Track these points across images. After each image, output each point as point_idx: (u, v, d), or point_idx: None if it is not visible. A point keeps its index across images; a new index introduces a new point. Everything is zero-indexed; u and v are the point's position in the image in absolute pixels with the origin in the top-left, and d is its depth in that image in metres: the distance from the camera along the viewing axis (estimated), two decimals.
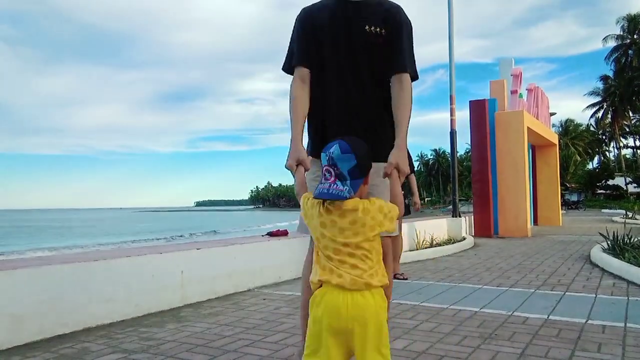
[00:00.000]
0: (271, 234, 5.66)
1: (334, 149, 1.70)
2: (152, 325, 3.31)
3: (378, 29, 2.13)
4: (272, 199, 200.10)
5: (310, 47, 2.18)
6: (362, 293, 1.62)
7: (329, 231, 1.68)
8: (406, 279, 4.97)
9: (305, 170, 2.01)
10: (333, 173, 1.68)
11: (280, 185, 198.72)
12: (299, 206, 1.84)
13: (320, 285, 1.69)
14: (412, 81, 2.18)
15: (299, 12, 2.26)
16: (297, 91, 2.17)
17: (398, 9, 2.19)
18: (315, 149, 2.14)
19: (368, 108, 2.17)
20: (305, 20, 2.22)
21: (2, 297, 2.86)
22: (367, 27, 2.12)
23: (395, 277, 4.87)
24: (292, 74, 2.23)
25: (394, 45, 2.14)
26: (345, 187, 1.65)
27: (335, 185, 1.66)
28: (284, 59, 2.27)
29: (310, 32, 2.18)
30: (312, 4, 2.26)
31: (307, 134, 2.26)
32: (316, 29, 2.17)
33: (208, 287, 4.19)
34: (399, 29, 2.15)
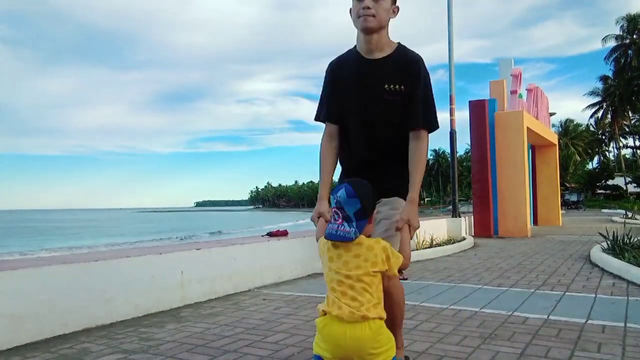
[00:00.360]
0: (271, 234, 5.67)
1: (341, 193, 1.83)
2: (152, 326, 3.31)
3: (397, 86, 2.22)
4: (271, 199, 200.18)
5: (337, 104, 2.31)
6: (360, 325, 1.71)
7: (335, 264, 1.81)
8: (406, 279, 4.97)
9: (325, 221, 2.10)
10: (340, 215, 1.82)
11: (280, 185, 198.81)
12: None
13: (325, 314, 1.80)
14: (433, 130, 2.29)
15: (329, 64, 2.38)
16: (324, 149, 2.34)
17: (417, 63, 2.26)
18: None
19: (378, 161, 2.27)
20: (332, 76, 2.35)
21: (2, 297, 2.86)
22: (386, 86, 2.22)
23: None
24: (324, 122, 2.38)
25: (412, 100, 2.22)
26: (351, 229, 1.79)
27: (343, 227, 1.80)
28: (317, 108, 2.41)
29: (335, 89, 2.33)
30: (339, 58, 2.37)
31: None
32: (339, 85, 2.31)
33: (208, 288, 4.20)
34: (417, 84, 2.23)
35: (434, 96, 2.31)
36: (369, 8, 2.14)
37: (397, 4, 2.25)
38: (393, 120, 2.24)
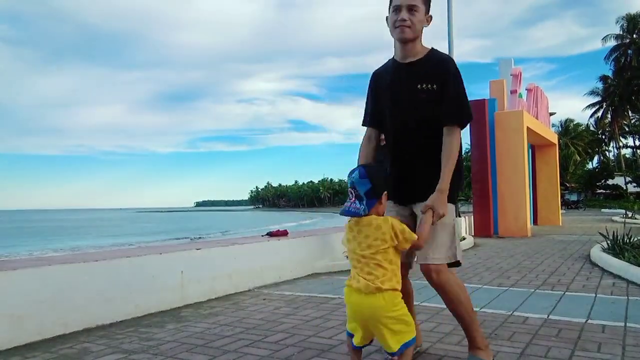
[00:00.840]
0: (271, 234, 5.67)
1: (355, 174, 2.08)
2: (152, 326, 3.31)
3: (430, 85, 2.41)
4: (271, 199, 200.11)
5: (376, 110, 2.58)
6: (375, 295, 1.98)
7: (351, 244, 2.09)
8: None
9: None
10: (353, 194, 2.07)
11: (280, 185, 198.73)
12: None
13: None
14: (467, 124, 2.53)
15: (372, 73, 2.64)
16: (363, 148, 2.62)
17: (447, 62, 2.45)
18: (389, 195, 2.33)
19: (424, 156, 2.43)
20: (374, 84, 2.61)
21: (2, 297, 2.86)
22: (419, 86, 2.41)
23: None
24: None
25: (444, 98, 2.41)
26: (361, 206, 2.03)
27: (354, 205, 2.05)
28: (364, 114, 2.67)
29: (376, 96, 2.59)
30: (380, 67, 2.62)
31: None
32: (379, 92, 2.56)
33: (208, 287, 4.20)
34: (447, 82, 2.41)
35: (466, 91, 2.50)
36: (405, 20, 2.34)
37: (430, 13, 2.44)
38: (427, 118, 2.41)
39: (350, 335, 2.15)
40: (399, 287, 2.05)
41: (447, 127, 2.40)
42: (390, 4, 2.43)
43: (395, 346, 2.05)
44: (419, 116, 2.42)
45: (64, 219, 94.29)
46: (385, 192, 2.11)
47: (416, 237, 2.08)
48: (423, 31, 2.42)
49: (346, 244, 2.13)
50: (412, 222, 2.40)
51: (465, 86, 2.51)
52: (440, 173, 2.30)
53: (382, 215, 2.10)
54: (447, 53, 11.09)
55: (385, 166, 2.52)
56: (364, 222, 2.05)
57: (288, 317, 3.47)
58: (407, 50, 2.42)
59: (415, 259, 2.41)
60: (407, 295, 2.42)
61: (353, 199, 2.06)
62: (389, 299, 2.00)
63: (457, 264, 2.38)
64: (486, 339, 2.48)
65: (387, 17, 2.46)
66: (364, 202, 2.03)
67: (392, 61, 2.54)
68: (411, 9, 2.34)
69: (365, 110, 2.66)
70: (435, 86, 2.40)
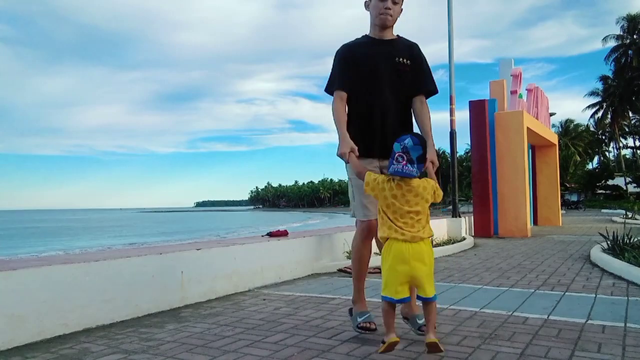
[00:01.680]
0: (271, 234, 5.66)
1: (408, 140, 2.40)
2: (152, 326, 3.31)
3: (405, 60, 2.87)
4: (271, 199, 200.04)
5: (349, 76, 2.87)
6: (418, 243, 2.42)
7: (399, 201, 2.42)
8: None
9: (355, 156, 2.67)
10: (405, 158, 2.38)
11: (280, 185, 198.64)
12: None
13: (386, 240, 2.45)
14: (433, 94, 2.98)
15: (339, 48, 2.93)
16: (338, 105, 2.86)
17: (417, 46, 2.99)
18: (363, 151, 2.77)
19: (399, 118, 2.89)
20: (346, 54, 2.91)
21: (2, 297, 2.86)
22: (396, 59, 2.86)
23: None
24: (331, 94, 2.91)
25: (417, 72, 2.91)
26: (414, 169, 2.39)
27: (407, 167, 2.38)
28: (326, 82, 2.95)
29: (350, 64, 2.87)
30: (348, 43, 2.95)
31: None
32: (356, 61, 2.86)
33: (208, 288, 4.20)
34: (419, 60, 2.93)
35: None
36: (389, 9, 2.78)
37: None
38: (400, 88, 2.86)
39: (388, 300, 2.44)
40: (433, 233, 2.53)
41: (422, 96, 2.93)
42: None
43: (431, 292, 2.42)
44: (394, 84, 2.84)
45: (67, 219, 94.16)
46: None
47: (441, 192, 2.55)
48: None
49: (388, 199, 2.43)
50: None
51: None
52: (407, 130, 2.82)
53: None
54: (448, 53, 11.08)
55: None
56: (414, 183, 2.44)
57: (288, 317, 3.47)
58: (383, 34, 2.88)
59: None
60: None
61: (404, 162, 2.38)
62: (428, 244, 2.46)
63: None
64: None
65: (366, 1, 2.88)
66: (416, 166, 2.39)
67: (367, 37, 2.93)
68: (395, 1, 2.81)
69: (332, 77, 2.92)
70: (409, 62, 2.87)
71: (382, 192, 2.45)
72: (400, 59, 2.85)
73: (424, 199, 2.46)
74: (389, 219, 2.43)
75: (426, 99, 2.95)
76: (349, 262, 5.53)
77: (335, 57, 2.94)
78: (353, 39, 2.99)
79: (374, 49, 2.85)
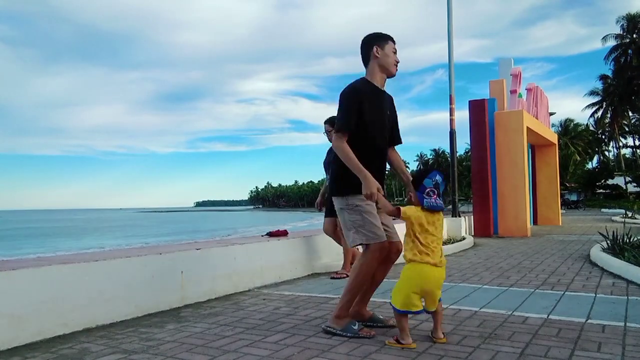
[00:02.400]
0: (271, 234, 5.66)
1: (438, 177, 2.79)
2: (152, 326, 3.31)
3: (389, 112, 3.19)
4: (271, 199, 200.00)
5: (358, 121, 3.01)
6: (443, 267, 2.79)
7: (431, 228, 2.77)
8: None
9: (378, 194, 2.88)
10: (436, 193, 2.77)
11: (280, 185, 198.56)
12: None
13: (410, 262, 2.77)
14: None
15: (351, 90, 3.07)
16: (350, 150, 2.96)
17: (392, 99, 3.30)
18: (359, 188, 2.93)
19: (385, 163, 3.26)
20: (362, 98, 3.04)
21: (2, 297, 2.86)
22: (388, 112, 3.18)
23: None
24: (341, 132, 3.01)
25: (395, 124, 3.30)
26: (441, 203, 2.80)
27: (438, 201, 2.78)
28: (342, 121, 3.02)
29: (364, 110, 3.02)
30: (360, 85, 3.09)
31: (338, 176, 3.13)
32: (367, 110, 3.04)
33: (208, 287, 4.20)
34: (396, 114, 3.32)
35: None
36: (398, 62, 3.16)
37: None
38: (387, 137, 3.19)
39: (408, 313, 2.77)
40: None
41: (395, 146, 3.31)
42: (386, 40, 3.10)
43: (438, 305, 2.84)
44: (386, 133, 3.17)
45: (62, 219, 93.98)
46: None
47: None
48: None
49: (423, 227, 2.76)
50: None
51: None
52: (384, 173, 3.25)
53: None
54: (447, 53, 11.06)
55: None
56: (440, 215, 2.83)
57: (288, 317, 3.47)
58: (384, 83, 3.17)
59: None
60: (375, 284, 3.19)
61: (435, 196, 2.76)
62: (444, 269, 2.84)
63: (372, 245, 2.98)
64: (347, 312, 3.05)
65: (377, 49, 3.07)
66: (441, 199, 2.80)
67: (373, 86, 3.11)
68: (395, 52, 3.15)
69: (349, 118, 3.00)
70: (389, 113, 3.21)
71: (420, 219, 2.76)
72: (389, 112, 3.19)
73: (442, 227, 2.88)
74: (421, 243, 2.75)
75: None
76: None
77: (345, 97, 3.05)
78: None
79: (380, 101, 3.12)
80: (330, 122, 4.90)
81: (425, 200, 2.74)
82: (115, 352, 2.73)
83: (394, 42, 3.12)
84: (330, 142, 4.72)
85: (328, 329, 3.00)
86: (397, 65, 3.14)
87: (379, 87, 3.11)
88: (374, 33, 3.15)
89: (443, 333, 2.82)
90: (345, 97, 3.04)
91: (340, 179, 3.04)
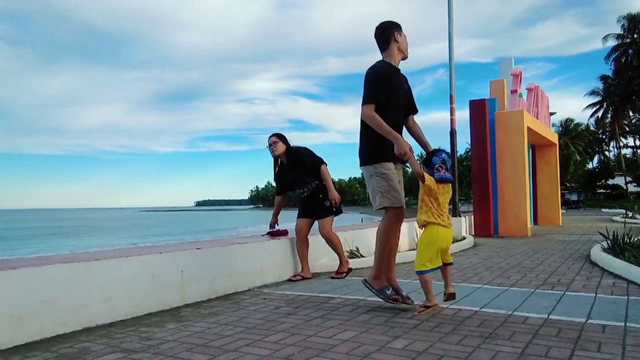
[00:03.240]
0: (271, 234, 5.66)
1: (445, 155, 3.44)
2: (152, 325, 3.31)
3: (406, 87, 3.78)
4: (271, 198, 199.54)
5: (385, 95, 3.56)
6: (450, 229, 3.47)
7: (443, 197, 3.40)
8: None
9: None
10: (444, 167, 3.38)
11: None
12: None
13: (424, 225, 3.44)
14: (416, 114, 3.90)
15: (376, 69, 3.62)
16: (377, 115, 3.51)
17: (406, 77, 3.87)
18: (390, 156, 3.55)
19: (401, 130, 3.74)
20: (390, 77, 3.61)
21: (2, 296, 2.86)
22: (406, 86, 3.79)
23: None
24: (367, 105, 3.52)
25: (411, 96, 3.88)
26: (450, 175, 3.44)
27: (448, 174, 3.40)
28: (372, 94, 3.52)
29: (388, 87, 3.58)
30: (384, 66, 3.66)
31: (369, 144, 3.69)
32: (392, 86, 3.60)
33: (208, 287, 4.20)
34: (411, 89, 3.89)
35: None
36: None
37: None
38: (402, 110, 3.74)
39: (434, 270, 3.44)
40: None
41: (412, 115, 3.88)
42: (400, 27, 3.72)
43: (451, 258, 3.57)
44: (403, 107, 3.73)
45: (65, 218, 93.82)
46: None
47: None
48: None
49: (437, 196, 3.36)
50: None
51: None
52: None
53: None
54: (448, 53, 11.05)
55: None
56: (449, 186, 3.42)
57: (288, 316, 3.47)
58: (399, 63, 3.76)
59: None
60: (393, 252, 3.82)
61: (443, 170, 3.36)
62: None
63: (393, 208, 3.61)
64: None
65: (397, 34, 3.67)
66: (449, 173, 3.42)
67: (393, 66, 3.68)
68: None
69: (377, 92, 3.51)
70: (407, 87, 3.79)
71: (435, 188, 3.34)
72: (406, 87, 3.78)
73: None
74: (435, 208, 3.36)
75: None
76: (349, 261, 5.52)
77: (373, 75, 3.57)
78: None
79: (399, 79, 3.70)
80: (277, 135, 5.29)
81: (435, 174, 3.33)
82: (115, 352, 2.73)
83: None
84: (275, 155, 5.27)
85: (367, 284, 3.69)
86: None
87: (397, 67, 3.70)
88: (391, 21, 3.73)
89: (452, 286, 3.57)
90: (373, 74, 3.56)
91: (369, 149, 3.60)
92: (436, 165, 3.37)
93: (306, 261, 5.17)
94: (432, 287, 3.44)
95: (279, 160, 5.38)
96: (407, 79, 3.82)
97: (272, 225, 5.52)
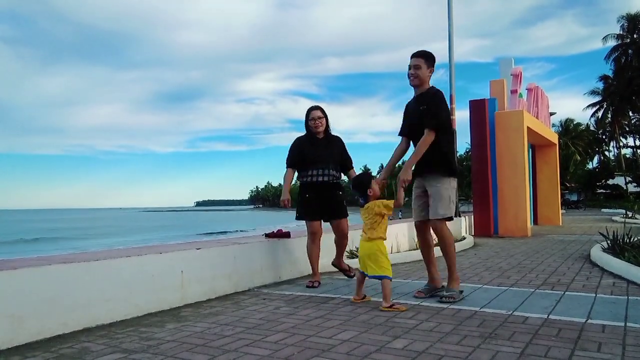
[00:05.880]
0: (272, 235, 5.64)
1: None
2: (152, 325, 3.31)
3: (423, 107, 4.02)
4: (272, 198, 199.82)
5: (403, 124, 4.30)
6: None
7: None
8: (352, 275, 4.96)
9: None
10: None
11: (280, 185, 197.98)
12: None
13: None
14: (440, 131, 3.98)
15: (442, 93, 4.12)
16: (397, 148, 4.30)
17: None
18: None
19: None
20: (406, 106, 4.31)
21: (2, 297, 2.86)
22: (420, 107, 4.03)
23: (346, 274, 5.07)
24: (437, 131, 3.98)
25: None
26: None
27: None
28: (443, 121, 4.00)
29: (404, 113, 4.30)
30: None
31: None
32: (405, 112, 4.29)
33: (208, 287, 4.20)
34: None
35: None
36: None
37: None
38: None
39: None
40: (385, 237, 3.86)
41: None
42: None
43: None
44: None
45: (68, 219, 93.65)
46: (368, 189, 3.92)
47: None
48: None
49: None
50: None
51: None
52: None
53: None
54: (448, 53, 11.03)
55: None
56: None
57: (288, 316, 3.47)
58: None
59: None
60: (428, 247, 4.26)
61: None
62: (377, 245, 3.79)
63: (450, 218, 3.98)
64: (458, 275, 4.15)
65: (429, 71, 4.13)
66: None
67: None
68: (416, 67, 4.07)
69: (447, 119, 4.09)
70: (425, 107, 4.00)
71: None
72: (422, 107, 4.06)
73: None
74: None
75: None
76: (349, 262, 5.52)
77: (444, 100, 4.05)
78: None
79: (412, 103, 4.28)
80: (322, 110, 4.90)
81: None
82: (115, 352, 2.73)
83: None
84: (315, 130, 4.78)
85: (450, 297, 3.85)
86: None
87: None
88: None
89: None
90: (444, 99, 4.04)
91: (447, 165, 3.96)
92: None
93: (317, 265, 4.88)
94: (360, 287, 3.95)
95: (311, 137, 4.85)
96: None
97: (285, 203, 4.89)
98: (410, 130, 4.13)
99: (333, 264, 5.05)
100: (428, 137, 3.86)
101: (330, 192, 4.78)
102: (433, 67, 4.11)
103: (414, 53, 4.10)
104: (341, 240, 4.94)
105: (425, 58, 4.06)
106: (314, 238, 4.82)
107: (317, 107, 4.88)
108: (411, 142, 4.17)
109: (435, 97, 3.99)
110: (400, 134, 4.28)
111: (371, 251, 3.72)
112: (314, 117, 4.78)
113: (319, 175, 4.74)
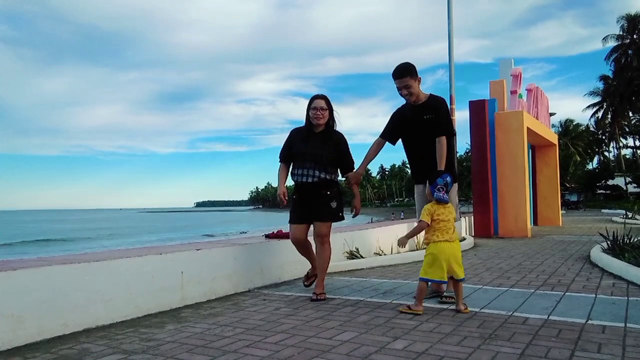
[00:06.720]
0: (272, 236, 5.65)
1: (449, 179, 3.73)
2: (152, 326, 3.31)
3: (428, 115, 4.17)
4: (272, 199, 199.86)
5: (391, 130, 4.45)
6: (456, 242, 3.69)
7: (445, 216, 3.66)
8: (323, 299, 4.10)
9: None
10: (445, 190, 3.69)
11: None
12: None
13: (428, 242, 3.68)
14: (449, 137, 4.20)
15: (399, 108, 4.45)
16: (373, 146, 4.49)
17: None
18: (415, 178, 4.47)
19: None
20: (396, 114, 4.42)
21: (2, 297, 2.86)
22: (425, 116, 4.17)
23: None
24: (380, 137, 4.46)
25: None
26: (447, 197, 3.73)
27: (445, 196, 3.69)
28: (383, 130, 4.47)
29: (396, 121, 4.41)
30: (400, 107, 4.42)
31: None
32: (401, 121, 4.36)
33: (208, 288, 4.19)
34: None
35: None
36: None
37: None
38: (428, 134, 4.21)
39: (428, 281, 3.63)
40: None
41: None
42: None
43: (461, 273, 3.63)
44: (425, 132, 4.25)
45: (71, 220, 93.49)
46: None
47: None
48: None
49: (432, 216, 3.65)
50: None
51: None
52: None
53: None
54: (448, 53, 11.04)
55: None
56: (445, 205, 3.70)
57: (288, 317, 3.47)
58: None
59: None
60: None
61: (443, 192, 3.66)
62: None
63: None
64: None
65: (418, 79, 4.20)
66: (447, 195, 3.73)
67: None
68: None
69: (385, 128, 4.51)
70: (432, 115, 4.17)
71: (435, 211, 3.69)
72: (427, 115, 4.23)
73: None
74: (441, 227, 3.65)
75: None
76: (349, 262, 5.53)
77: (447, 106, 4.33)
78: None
79: (409, 113, 4.39)
80: (327, 101, 4.32)
81: (435, 193, 3.67)
82: (115, 353, 2.73)
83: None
84: (317, 122, 4.22)
85: (451, 296, 3.81)
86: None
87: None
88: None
89: (464, 304, 3.56)
90: (448, 107, 4.31)
91: (453, 172, 4.11)
92: (438, 186, 3.67)
93: (313, 255, 4.48)
94: (423, 297, 3.61)
95: (307, 130, 4.33)
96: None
97: (282, 195, 4.36)
98: (396, 137, 4.42)
99: (304, 283, 4.55)
100: (444, 142, 4.07)
101: (315, 193, 4.25)
102: (418, 76, 4.14)
103: (395, 74, 4.11)
104: (321, 254, 4.28)
105: (409, 74, 4.08)
106: (297, 244, 4.41)
107: (322, 96, 4.29)
108: (387, 143, 4.45)
109: (443, 106, 4.19)
110: (382, 137, 4.42)
111: (459, 253, 3.68)
112: (316, 107, 4.20)
113: (304, 175, 4.24)
